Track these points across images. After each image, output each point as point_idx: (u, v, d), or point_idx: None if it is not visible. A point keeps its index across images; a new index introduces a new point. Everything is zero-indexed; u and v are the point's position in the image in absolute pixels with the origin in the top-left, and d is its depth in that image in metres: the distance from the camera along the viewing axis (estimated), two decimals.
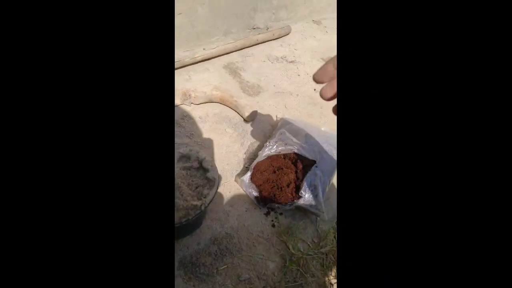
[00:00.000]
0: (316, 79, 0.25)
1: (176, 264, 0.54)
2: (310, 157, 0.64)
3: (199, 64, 1.13)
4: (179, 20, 1.12)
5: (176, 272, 0.52)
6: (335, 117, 0.90)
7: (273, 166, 0.65)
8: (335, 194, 0.70)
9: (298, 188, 0.63)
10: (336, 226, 0.64)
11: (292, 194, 0.62)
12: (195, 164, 0.55)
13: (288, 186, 0.63)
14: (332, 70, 0.25)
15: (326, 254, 0.57)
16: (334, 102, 0.26)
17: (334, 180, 0.71)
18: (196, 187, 0.52)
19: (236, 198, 0.66)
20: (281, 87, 1.08)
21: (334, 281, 0.55)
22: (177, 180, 0.52)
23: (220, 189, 0.67)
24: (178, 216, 0.47)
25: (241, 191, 0.67)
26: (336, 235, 0.62)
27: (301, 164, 0.66)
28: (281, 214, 0.64)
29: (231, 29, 1.31)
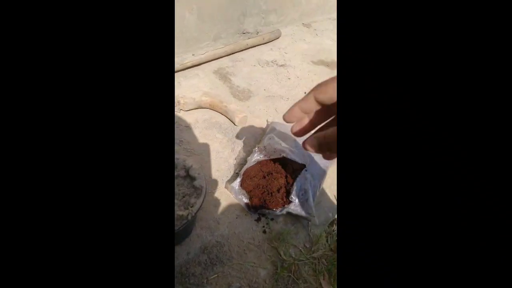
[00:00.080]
0: (285, 119, 0.25)
1: None
2: (300, 161, 0.63)
3: (188, 70, 1.13)
4: None
5: None
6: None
7: (262, 172, 0.64)
8: (326, 198, 0.70)
9: (288, 193, 0.62)
10: (328, 230, 0.63)
11: (282, 199, 0.62)
12: (182, 173, 0.54)
13: (278, 191, 0.63)
14: (299, 112, 0.25)
15: (319, 259, 0.57)
16: (305, 136, 0.25)
17: (325, 183, 0.70)
18: (183, 196, 0.51)
19: (227, 205, 0.65)
20: (271, 91, 1.08)
21: (327, 287, 0.54)
22: None
23: (210, 197, 0.66)
24: None
25: (231, 198, 0.66)
26: (328, 239, 0.61)
27: (291, 169, 0.65)
28: (272, 219, 0.63)
29: (220, 34, 1.31)
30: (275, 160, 0.66)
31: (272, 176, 0.64)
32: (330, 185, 0.72)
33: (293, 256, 0.57)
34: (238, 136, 0.85)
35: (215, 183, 0.70)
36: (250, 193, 0.62)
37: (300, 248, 0.58)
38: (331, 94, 0.23)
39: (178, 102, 0.89)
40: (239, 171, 0.70)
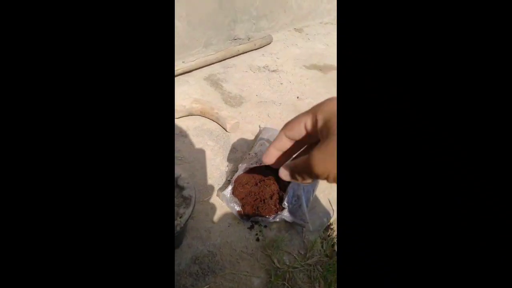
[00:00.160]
0: (264, 160, 0.28)
1: None
2: None
3: (178, 77, 1.12)
4: None
5: None
6: None
7: (254, 178, 0.63)
8: (320, 203, 0.69)
9: (281, 200, 0.61)
10: (322, 235, 0.62)
11: (275, 206, 0.61)
12: None
13: (271, 198, 0.61)
14: (275, 151, 0.26)
15: (314, 266, 0.55)
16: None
17: (319, 188, 0.69)
18: None
19: (219, 214, 0.64)
20: (263, 96, 1.07)
21: None
22: None
23: (201, 205, 0.65)
24: None
25: (223, 206, 0.65)
26: (323, 244, 0.60)
27: None
28: (265, 227, 0.62)
29: (211, 40, 1.30)
30: (267, 167, 0.65)
31: (264, 183, 0.63)
32: (324, 190, 0.71)
33: (287, 263, 0.55)
34: (230, 143, 0.84)
35: (206, 191, 0.69)
36: (242, 201, 0.61)
37: (295, 255, 0.57)
38: (297, 130, 0.24)
39: None
40: (231, 178, 0.69)
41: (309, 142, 0.26)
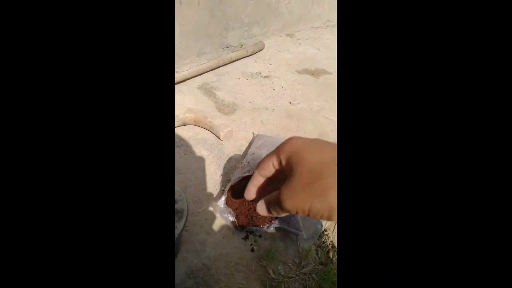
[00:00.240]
0: (246, 196, 0.29)
1: None
2: None
3: None
4: None
5: None
6: (312, 130, 0.89)
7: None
8: None
9: None
10: (317, 242, 0.61)
11: None
12: None
13: None
14: (253, 189, 0.28)
15: (309, 275, 0.55)
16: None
17: None
18: None
19: (213, 225, 0.63)
20: (257, 103, 1.07)
21: None
22: None
23: (195, 217, 0.64)
24: None
25: (218, 216, 0.64)
26: (318, 252, 0.60)
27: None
28: (260, 236, 0.61)
29: (204, 49, 1.31)
30: None
31: None
32: None
33: (283, 273, 0.55)
34: (223, 152, 0.83)
35: (200, 202, 0.68)
36: (236, 211, 0.61)
37: (290, 265, 0.57)
38: (267, 169, 0.26)
39: None
40: (226, 188, 0.69)
41: (282, 177, 0.27)
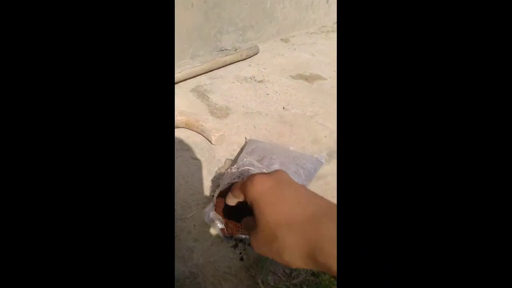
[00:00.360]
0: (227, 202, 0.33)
1: None
2: None
3: None
4: None
5: None
6: (305, 136, 0.88)
7: None
8: None
9: None
10: None
11: None
12: None
13: None
14: (231, 201, 0.31)
15: (300, 286, 0.53)
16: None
17: None
18: None
19: (201, 232, 0.61)
20: (250, 107, 1.06)
21: None
22: None
23: (183, 223, 0.62)
24: None
25: (207, 223, 0.62)
26: None
27: None
28: (249, 245, 0.59)
29: (197, 52, 1.30)
30: None
31: None
32: None
33: (272, 284, 0.53)
34: (214, 156, 0.82)
35: (189, 207, 0.66)
36: (225, 218, 0.59)
37: (280, 275, 0.55)
38: (237, 197, 0.30)
39: None
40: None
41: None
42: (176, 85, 1.14)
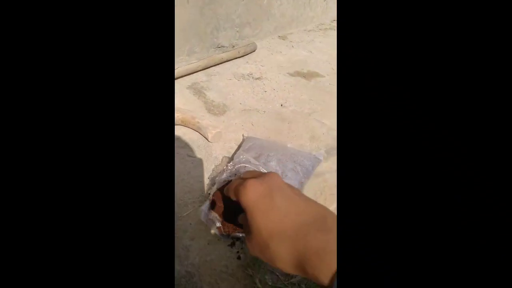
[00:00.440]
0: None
1: None
2: None
3: None
4: None
5: None
6: (302, 133, 0.86)
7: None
8: None
9: None
10: None
11: None
12: None
13: None
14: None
15: (298, 285, 0.52)
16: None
17: None
18: None
19: (198, 230, 0.60)
20: (247, 104, 1.05)
21: None
22: None
23: (180, 221, 0.61)
24: None
25: (203, 221, 0.61)
26: None
27: None
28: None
29: (194, 48, 1.28)
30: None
31: None
32: None
33: (270, 283, 0.52)
34: (211, 154, 0.80)
35: (186, 205, 0.65)
36: (221, 216, 0.58)
37: (277, 274, 0.54)
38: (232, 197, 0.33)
39: None
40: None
41: None
42: None
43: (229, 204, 0.59)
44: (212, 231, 0.59)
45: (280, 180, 0.31)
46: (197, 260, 0.55)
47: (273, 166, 0.63)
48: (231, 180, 0.59)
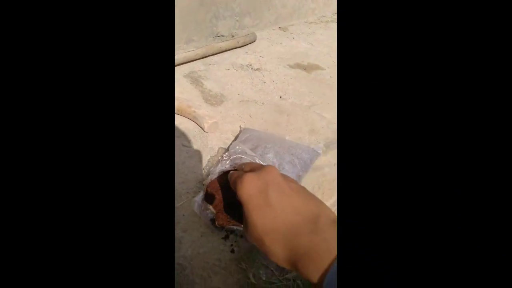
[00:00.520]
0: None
1: None
2: None
3: None
4: None
5: None
6: (302, 126, 0.84)
7: (228, 183, 0.58)
8: None
9: None
10: None
11: None
12: None
13: None
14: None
15: (293, 281, 0.51)
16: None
17: None
18: None
19: (191, 222, 0.58)
20: (246, 95, 1.02)
21: None
22: None
23: None
24: None
25: (196, 213, 0.59)
26: None
27: None
28: (241, 237, 0.57)
29: (192, 37, 1.25)
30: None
31: None
32: None
33: (264, 278, 0.51)
34: (207, 144, 0.78)
35: (179, 196, 0.63)
36: (215, 208, 0.56)
37: (272, 269, 0.52)
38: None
39: None
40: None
41: None
42: None
43: (224, 195, 0.57)
44: (205, 223, 0.57)
45: (277, 175, 0.32)
46: (189, 253, 0.53)
47: (270, 158, 0.60)
48: (227, 172, 0.57)
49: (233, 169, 0.58)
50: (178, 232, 0.56)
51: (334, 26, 1.73)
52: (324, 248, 0.25)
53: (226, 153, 0.61)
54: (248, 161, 0.58)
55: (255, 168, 0.35)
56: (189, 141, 0.78)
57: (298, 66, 1.26)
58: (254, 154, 0.59)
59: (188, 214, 0.59)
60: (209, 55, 1.22)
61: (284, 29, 1.62)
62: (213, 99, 0.99)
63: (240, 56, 1.28)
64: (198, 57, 1.18)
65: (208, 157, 0.74)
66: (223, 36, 1.36)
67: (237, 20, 1.39)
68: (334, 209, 0.60)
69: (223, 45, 1.25)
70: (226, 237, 0.56)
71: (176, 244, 0.54)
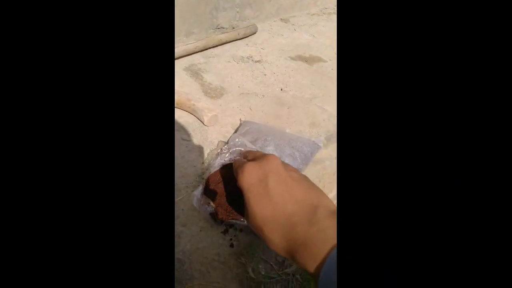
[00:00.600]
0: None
1: None
2: None
3: None
4: None
5: None
6: (302, 119, 0.83)
7: (228, 177, 0.57)
8: None
9: None
10: None
11: None
12: None
13: None
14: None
15: (292, 275, 0.50)
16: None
17: None
18: None
19: (190, 216, 0.57)
20: (246, 88, 1.01)
21: None
22: None
23: None
24: None
25: (196, 207, 0.58)
26: None
27: None
28: (241, 231, 0.56)
29: (192, 29, 1.23)
30: None
31: None
32: None
33: (263, 273, 0.50)
34: (207, 137, 0.77)
35: (178, 190, 0.62)
36: (215, 202, 0.55)
37: (271, 263, 0.52)
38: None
39: None
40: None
41: None
42: None
43: (223, 189, 0.56)
44: (205, 217, 0.57)
45: (278, 164, 0.32)
46: (188, 247, 0.53)
47: (270, 151, 0.59)
48: (227, 165, 0.56)
49: (231, 162, 0.57)
50: (177, 227, 0.55)
51: (336, 18, 1.70)
52: (321, 239, 0.25)
53: (226, 146, 0.60)
54: (253, 150, 0.57)
55: (257, 157, 0.35)
56: (188, 135, 0.77)
57: (300, 58, 1.24)
58: (254, 147, 0.58)
59: (187, 209, 0.59)
60: (209, 48, 1.20)
61: (285, 20, 1.59)
62: (213, 92, 0.97)
63: (240, 48, 1.26)
64: (198, 50, 1.16)
65: (208, 150, 0.73)
66: (223, 28, 1.34)
67: (237, 12, 1.36)
68: (334, 202, 0.59)
69: (224, 37, 1.23)
70: (225, 232, 0.55)
71: (175, 239, 0.54)
